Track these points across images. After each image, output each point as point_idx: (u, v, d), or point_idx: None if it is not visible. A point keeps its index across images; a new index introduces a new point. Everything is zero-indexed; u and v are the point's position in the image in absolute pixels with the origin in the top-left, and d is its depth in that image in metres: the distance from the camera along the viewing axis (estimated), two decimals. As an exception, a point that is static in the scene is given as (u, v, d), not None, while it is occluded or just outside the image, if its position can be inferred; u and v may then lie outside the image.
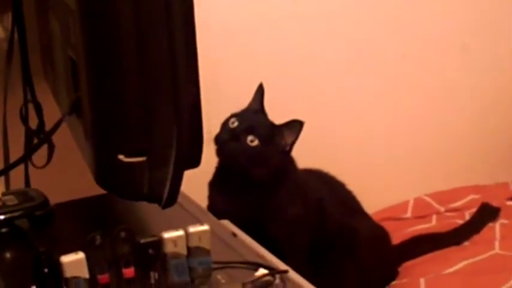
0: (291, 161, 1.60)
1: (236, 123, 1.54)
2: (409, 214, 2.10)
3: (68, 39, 0.93)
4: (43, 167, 1.24)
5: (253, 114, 1.59)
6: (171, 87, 0.81)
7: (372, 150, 2.15)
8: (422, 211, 2.11)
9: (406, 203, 2.14)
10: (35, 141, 1.29)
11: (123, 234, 0.85)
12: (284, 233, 1.53)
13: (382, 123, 2.15)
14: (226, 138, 1.52)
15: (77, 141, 1.00)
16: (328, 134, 2.05)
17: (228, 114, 1.58)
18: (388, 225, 1.85)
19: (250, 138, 1.51)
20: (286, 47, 1.96)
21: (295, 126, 1.53)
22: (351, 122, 2.10)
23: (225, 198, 1.55)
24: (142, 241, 0.86)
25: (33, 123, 1.31)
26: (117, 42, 0.80)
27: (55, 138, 1.12)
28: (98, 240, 0.84)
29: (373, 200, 1.89)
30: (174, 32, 0.80)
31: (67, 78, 0.98)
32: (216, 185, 1.58)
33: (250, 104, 1.62)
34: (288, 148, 1.55)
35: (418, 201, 2.15)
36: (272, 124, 1.57)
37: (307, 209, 1.60)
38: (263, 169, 1.53)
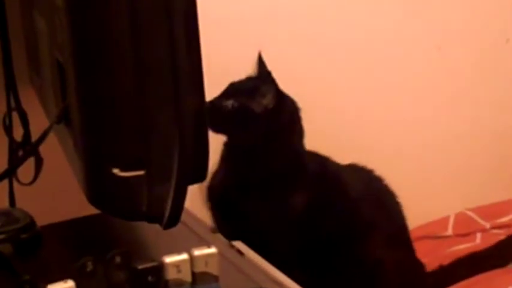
0: (282, 125, 1.65)
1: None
2: (449, 231, 2.09)
3: (54, 40, 0.94)
4: (30, 183, 1.24)
5: (243, 80, 1.67)
6: (172, 91, 0.81)
7: (406, 158, 2.14)
8: (464, 228, 2.09)
9: (447, 219, 2.13)
10: (20, 154, 1.29)
11: (118, 259, 0.85)
12: (258, 222, 1.58)
13: (416, 126, 2.15)
14: (208, 107, 1.56)
15: (67, 154, 1.00)
16: (355, 139, 2.04)
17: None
18: (426, 245, 1.84)
19: (229, 102, 1.60)
20: (306, 43, 1.97)
21: (266, 79, 1.61)
22: (380, 125, 2.10)
23: (219, 170, 1.64)
24: (140, 267, 0.86)
25: (18, 133, 1.31)
26: (109, 41, 0.80)
27: (43, 151, 1.12)
28: (90, 266, 0.84)
29: (409, 215, 1.88)
30: (175, 28, 0.80)
31: (54, 83, 0.98)
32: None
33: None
34: (271, 105, 1.60)
35: (460, 217, 2.14)
36: (254, 84, 1.64)
37: (305, 204, 1.61)
38: (247, 131, 1.62)
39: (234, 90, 1.63)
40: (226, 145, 1.65)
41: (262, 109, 1.60)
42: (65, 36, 0.83)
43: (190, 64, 0.82)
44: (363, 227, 1.65)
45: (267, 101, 1.60)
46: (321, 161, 1.70)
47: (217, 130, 1.60)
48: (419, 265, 1.75)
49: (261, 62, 1.69)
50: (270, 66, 1.69)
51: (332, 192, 1.66)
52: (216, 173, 1.63)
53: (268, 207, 1.59)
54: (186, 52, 0.81)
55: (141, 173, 0.81)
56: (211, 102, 1.59)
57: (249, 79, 1.68)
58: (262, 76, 1.67)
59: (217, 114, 1.59)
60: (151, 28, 0.79)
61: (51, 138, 1.00)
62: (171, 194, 0.82)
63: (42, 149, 1.04)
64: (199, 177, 0.87)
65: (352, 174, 1.72)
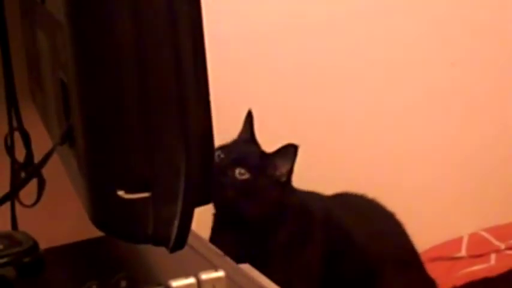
0: (292, 194, 1.62)
1: (222, 156, 1.56)
2: (463, 253, 2.09)
3: (57, 59, 0.94)
4: (32, 205, 1.25)
5: (241, 144, 1.63)
6: (178, 111, 0.81)
7: (417, 177, 2.14)
8: (479, 249, 2.09)
9: (460, 239, 2.13)
10: (23, 175, 1.29)
11: (123, 283, 0.85)
12: (284, 282, 1.53)
13: (428, 143, 2.15)
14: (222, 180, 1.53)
15: (70, 175, 1.00)
16: (364, 158, 2.05)
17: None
18: (438, 267, 1.83)
19: (238, 170, 1.54)
20: (310, 60, 1.97)
21: (288, 152, 1.56)
22: (391, 143, 2.10)
23: (221, 240, 1.55)
24: (146, 291, 0.86)
25: (20, 154, 1.32)
26: (114, 61, 0.80)
27: (46, 172, 1.12)
28: (95, 290, 0.84)
29: (421, 236, 1.88)
30: (181, 47, 0.80)
31: (57, 103, 0.99)
32: (215, 224, 1.59)
33: (240, 135, 1.65)
34: (284, 179, 1.57)
35: (473, 238, 2.14)
36: (263, 153, 1.60)
37: (318, 250, 1.59)
38: (256, 206, 1.56)
39: (238, 157, 1.56)
40: (225, 219, 1.59)
41: (274, 182, 1.57)
42: (69, 54, 0.83)
43: (197, 84, 0.82)
44: (372, 260, 1.64)
45: (282, 175, 1.57)
46: (323, 204, 1.68)
47: (227, 205, 1.55)
48: (429, 281, 1.74)
49: (250, 121, 1.65)
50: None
51: (337, 234, 1.64)
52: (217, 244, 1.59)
53: (289, 268, 1.57)
54: (193, 73, 0.82)
55: (146, 195, 0.81)
56: (220, 172, 1.53)
57: (246, 143, 1.63)
58: (252, 139, 1.63)
59: (229, 187, 1.54)
60: (157, 47, 0.80)
61: (54, 158, 1.00)
62: (178, 216, 0.82)
63: (45, 169, 1.04)
64: (205, 199, 0.87)
65: (346, 206, 1.71)
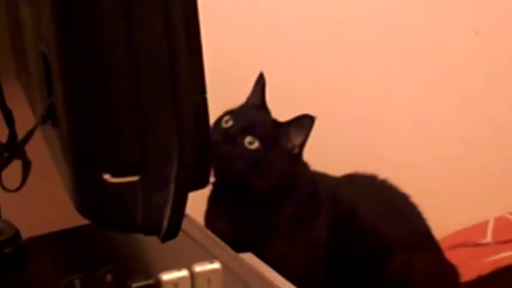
0: (303, 168, 1.61)
1: (231, 122, 1.55)
2: (488, 238, 2.09)
3: (39, 30, 0.93)
4: (15, 190, 1.24)
5: (252, 110, 1.61)
6: (171, 86, 0.80)
7: (440, 157, 2.14)
8: (505, 234, 2.09)
9: (485, 224, 2.13)
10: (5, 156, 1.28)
11: (109, 277, 0.85)
12: (289, 263, 1.51)
13: (450, 120, 2.15)
14: (219, 140, 1.51)
15: (54, 158, 0.99)
16: (380, 134, 2.04)
17: (220, 113, 1.58)
18: (462, 253, 1.83)
19: (248, 139, 1.53)
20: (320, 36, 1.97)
21: (304, 123, 1.54)
22: (410, 117, 2.10)
23: (220, 215, 1.57)
24: (134, 285, 0.85)
25: (3, 134, 1.30)
26: (100, 32, 0.78)
27: (32, 154, 1.11)
28: (77, 285, 0.83)
29: (443, 221, 1.87)
30: (172, 19, 0.79)
31: (40, 79, 0.98)
32: (212, 199, 1.59)
33: (249, 99, 1.64)
34: (296, 151, 1.56)
35: (500, 222, 2.14)
36: (275, 122, 1.59)
37: (324, 226, 1.59)
38: (265, 178, 1.55)
39: (248, 124, 1.55)
40: (226, 192, 1.58)
41: (286, 153, 1.56)
42: (50, 24, 0.81)
43: (190, 58, 0.81)
44: (384, 242, 1.63)
45: (294, 147, 1.56)
46: (331, 182, 1.67)
47: (233, 176, 1.53)
48: (450, 267, 1.74)
49: (261, 85, 1.63)
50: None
51: (344, 214, 1.63)
52: (215, 220, 1.57)
53: (294, 244, 1.57)
54: (186, 45, 0.80)
55: (135, 178, 0.80)
56: (228, 140, 1.52)
57: (256, 109, 1.61)
58: (263, 105, 1.62)
59: (237, 157, 1.52)
60: (146, 17, 0.78)
61: (40, 140, 0.99)
62: (170, 202, 0.81)
63: (31, 151, 1.03)
64: (201, 183, 0.85)
65: (356, 187, 1.70)
